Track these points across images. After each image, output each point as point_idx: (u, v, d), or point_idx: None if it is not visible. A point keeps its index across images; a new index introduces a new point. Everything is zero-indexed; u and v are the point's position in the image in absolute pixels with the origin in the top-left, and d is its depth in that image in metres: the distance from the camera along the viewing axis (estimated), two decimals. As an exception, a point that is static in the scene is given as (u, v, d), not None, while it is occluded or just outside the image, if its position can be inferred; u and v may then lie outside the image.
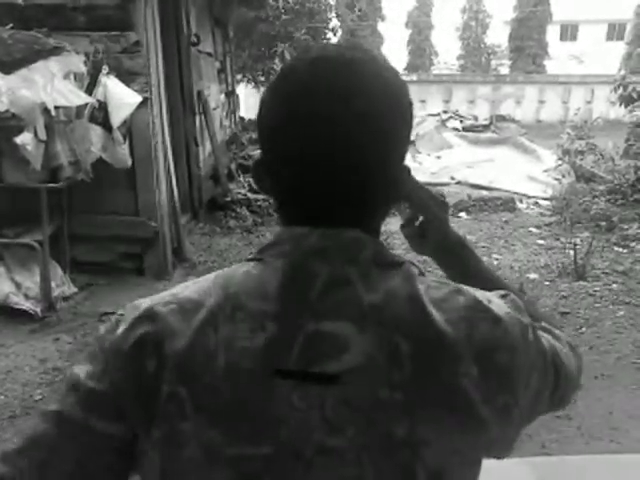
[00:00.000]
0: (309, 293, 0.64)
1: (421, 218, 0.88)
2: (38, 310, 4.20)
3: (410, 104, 0.70)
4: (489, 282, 0.83)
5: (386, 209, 0.73)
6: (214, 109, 7.70)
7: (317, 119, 0.64)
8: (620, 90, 8.67)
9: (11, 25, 4.31)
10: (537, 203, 8.22)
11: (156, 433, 0.65)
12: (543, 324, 0.81)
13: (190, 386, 0.64)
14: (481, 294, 0.69)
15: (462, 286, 0.69)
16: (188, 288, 0.70)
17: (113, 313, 0.75)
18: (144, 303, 0.69)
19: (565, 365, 0.76)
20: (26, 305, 4.21)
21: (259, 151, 0.72)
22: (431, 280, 0.69)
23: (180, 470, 0.65)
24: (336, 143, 0.65)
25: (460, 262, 0.89)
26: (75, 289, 4.60)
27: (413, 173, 0.78)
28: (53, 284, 4.34)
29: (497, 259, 5.82)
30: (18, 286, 4.32)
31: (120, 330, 0.67)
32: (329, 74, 0.65)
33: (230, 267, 0.71)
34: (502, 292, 0.72)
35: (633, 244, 6.17)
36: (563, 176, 8.61)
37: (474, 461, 0.68)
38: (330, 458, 0.62)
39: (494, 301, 0.69)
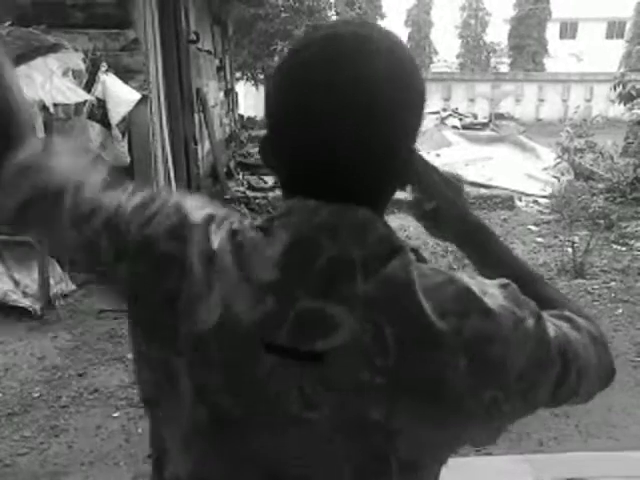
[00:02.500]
0: (310, 269, 0.64)
1: (434, 202, 0.84)
2: (37, 308, 4.20)
3: (423, 91, 0.69)
4: (510, 267, 0.81)
5: (391, 191, 0.71)
6: (213, 107, 7.70)
7: (325, 99, 0.63)
8: (619, 88, 8.68)
9: (10, 22, 4.31)
10: (536, 201, 8.22)
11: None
12: (565, 313, 0.77)
13: (189, 327, 0.66)
14: (476, 284, 0.67)
15: (457, 275, 0.68)
16: (215, 231, 0.69)
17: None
18: (199, 212, 0.70)
19: (580, 358, 0.72)
20: (25, 303, 4.21)
21: (266, 127, 0.70)
22: (427, 267, 0.67)
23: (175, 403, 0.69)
24: (343, 124, 0.63)
25: (480, 247, 0.86)
26: (74, 286, 4.59)
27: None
28: (52, 282, 4.34)
29: (496, 257, 5.82)
30: (17, 284, 4.32)
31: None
32: (339, 53, 0.63)
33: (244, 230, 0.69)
34: (503, 281, 0.69)
35: (632, 242, 6.18)
36: (562, 174, 8.61)
37: (447, 454, 0.68)
38: (304, 430, 0.64)
39: (489, 292, 0.66)
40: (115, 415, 3.09)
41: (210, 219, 0.69)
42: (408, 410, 0.62)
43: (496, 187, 8.60)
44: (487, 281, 0.69)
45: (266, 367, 0.64)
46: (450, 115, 13.39)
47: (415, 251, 0.70)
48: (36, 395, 3.29)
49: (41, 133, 3.94)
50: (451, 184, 0.84)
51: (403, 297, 0.63)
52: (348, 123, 0.63)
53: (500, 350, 0.64)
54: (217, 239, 0.67)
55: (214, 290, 0.65)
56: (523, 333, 0.66)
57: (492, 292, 0.66)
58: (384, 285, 0.64)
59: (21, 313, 4.17)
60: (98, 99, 4.35)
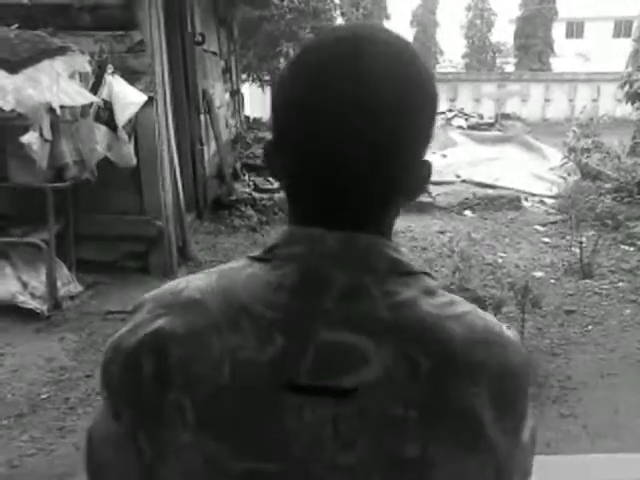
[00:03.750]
0: (323, 301, 0.61)
1: None
2: (44, 309, 4.22)
3: (435, 95, 0.66)
4: None
5: (400, 203, 0.68)
6: (219, 108, 7.71)
7: (332, 108, 0.60)
8: (626, 87, 8.63)
9: (17, 25, 4.33)
10: (542, 201, 8.19)
11: (163, 439, 0.63)
12: None
13: (193, 396, 0.61)
14: (495, 319, 0.69)
15: (477, 308, 0.68)
16: (190, 285, 0.66)
17: (118, 312, 0.75)
18: (148, 302, 0.67)
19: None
20: (32, 304, 4.23)
21: (271, 132, 0.67)
22: (450, 295, 0.67)
23: None
24: (351, 135, 0.60)
25: None
26: (81, 288, 4.61)
27: None
28: (59, 283, 4.36)
29: (502, 257, 5.81)
30: (24, 285, 4.34)
31: (123, 330, 0.67)
32: (348, 61, 0.60)
33: (234, 264, 0.67)
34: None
35: (639, 242, 6.15)
36: (569, 174, 8.57)
37: None
38: (340, 476, 0.60)
39: (504, 326, 0.69)
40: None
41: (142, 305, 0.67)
42: (441, 442, 0.61)
43: (502, 187, 8.58)
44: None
45: (292, 411, 0.59)
46: (456, 115, 13.38)
47: (427, 274, 0.68)
48: (44, 396, 3.31)
49: (49, 135, 3.96)
50: None
51: (432, 326, 0.62)
52: (354, 123, 0.60)
53: (519, 383, 0.66)
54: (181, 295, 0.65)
55: (211, 345, 0.61)
56: (530, 369, 0.70)
57: (504, 327, 0.68)
58: (409, 314, 0.62)
59: (29, 315, 4.19)
60: (104, 101, 4.37)
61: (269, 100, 0.70)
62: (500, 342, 0.65)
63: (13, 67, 3.98)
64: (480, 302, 3.37)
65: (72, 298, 4.50)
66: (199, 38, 6.69)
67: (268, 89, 13.75)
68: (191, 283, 0.67)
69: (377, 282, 0.62)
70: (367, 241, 0.64)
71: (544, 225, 7.05)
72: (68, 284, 4.51)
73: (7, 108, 3.81)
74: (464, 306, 0.66)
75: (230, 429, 0.61)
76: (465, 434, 0.61)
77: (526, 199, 8.23)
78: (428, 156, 0.69)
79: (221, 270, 0.67)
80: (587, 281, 5.07)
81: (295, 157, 0.64)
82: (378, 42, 0.63)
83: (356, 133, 0.60)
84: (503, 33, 28.55)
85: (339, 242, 0.62)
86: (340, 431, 0.59)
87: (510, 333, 0.68)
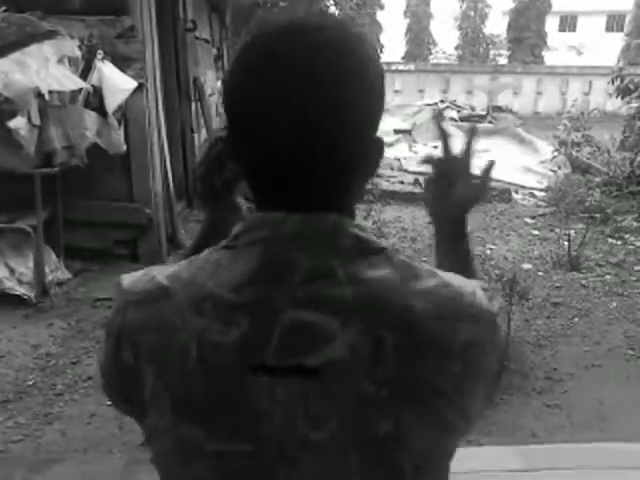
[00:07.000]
0: (288, 282, 0.62)
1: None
2: (32, 295, 4.20)
3: (380, 73, 0.67)
4: (463, 265, 0.85)
5: (360, 185, 0.69)
6: (210, 96, 7.66)
7: (277, 95, 0.61)
8: (617, 82, 8.64)
9: (4, 8, 4.27)
10: (532, 194, 8.23)
11: (149, 423, 0.68)
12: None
13: (166, 382, 0.64)
14: (469, 286, 0.67)
15: (449, 278, 0.67)
16: (161, 273, 0.68)
17: (107, 299, 0.77)
18: (123, 288, 0.70)
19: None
20: (20, 290, 4.20)
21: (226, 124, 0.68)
22: (417, 268, 0.66)
23: (161, 464, 0.68)
24: (297, 119, 0.61)
25: (454, 239, 0.91)
26: (69, 275, 4.59)
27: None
28: (47, 269, 4.33)
29: (491, 249, 5.84)
30: (12, 271, 4.31)
31: (109, 317, 0.70)
32: (289, 47, 0.62)
33: (202, 254, 0.69)
34: (480, 283, 0.71)
35: (627, 236, 6.20)
36: (559, 167, 8.60)
37: (450, 452, 0.68)
38: (314, 453, 0.61)
39: (478, 294, 0.67)
40: (109, 403, 3.08)
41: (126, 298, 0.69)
42: (413, 417, 0.62)
43: (493, 180, 8.59)
44: (471, 281, 0.70)
45: (263, 391, 0.61)
46: (448, 107, 13.37)
47: (393, 249, 0.69)
48: (30, 382, 3.30)
49: (37, 120, 3.92)
50: (474, 184, 0.94)
51: (398, 303, 0.63)
52: (295, 110, 0.61)
53: (487, 353, 0.66)
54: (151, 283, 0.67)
55: (177, 331, 0.63)
56: (498, 332, 0.69)
57: (479, 295, 0.67)
58: (375, 291, 0.63)
59: (16, 301, 4.15)
60: (94, 87, 4.32)
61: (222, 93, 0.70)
62: (470, 315, 0.65)
63: (0, 51, 3.93)
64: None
65: (60, 285, 4.47)
66: (191, 25, 6.63)
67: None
68: (161, 272, 0.69)
69: (342, 264, 0.63)
70: (328, 220, 0.64)
71: (533, 218, 7.09)
72: (56, 271, 4.48)
73: (-6, 92, 3.76)
74: (432, 280, 0.65)
75: (201, 412, 0.63)
76: (434, 408, 0.63)
77: (516, 192, 8.25)
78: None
79: (190, 260, 0.69)
80: (574, 274, 5.11)
81: (248, 145, 0.65)
82: (321, 32, 0.63)
83: (297, 118, 0.61)
84: (496, 25, 28.52)
85: (299, 223, 0.63)
86: (311, 409, 0.61)
87: (483, 302, 0.67)
